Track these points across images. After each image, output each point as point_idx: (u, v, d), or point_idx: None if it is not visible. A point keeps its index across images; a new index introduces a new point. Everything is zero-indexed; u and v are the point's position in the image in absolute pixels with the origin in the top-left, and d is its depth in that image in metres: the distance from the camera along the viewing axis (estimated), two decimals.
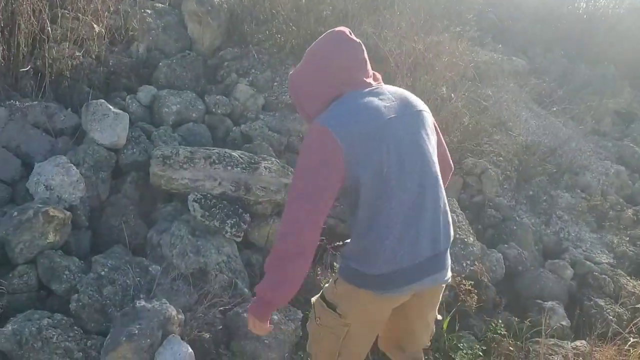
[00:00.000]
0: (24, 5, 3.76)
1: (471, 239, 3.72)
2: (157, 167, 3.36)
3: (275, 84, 4.34)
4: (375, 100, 1.90)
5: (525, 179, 4.46)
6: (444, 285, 2.14)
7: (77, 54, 4.03)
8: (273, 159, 3.61)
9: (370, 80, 2.00)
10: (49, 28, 3.89)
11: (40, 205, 2.88)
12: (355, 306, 1.99)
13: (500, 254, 3.82)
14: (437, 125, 2.12)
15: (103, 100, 3.58)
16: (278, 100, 4.25)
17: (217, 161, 3.39)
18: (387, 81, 4.16)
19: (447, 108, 4.12)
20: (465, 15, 5.25)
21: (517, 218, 4.19)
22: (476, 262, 3.60)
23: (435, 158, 1.96)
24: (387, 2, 4.55)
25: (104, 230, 3.28)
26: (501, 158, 4.40)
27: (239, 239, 3.32)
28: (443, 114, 4.12)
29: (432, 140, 1.98)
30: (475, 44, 4.85)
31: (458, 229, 3.69)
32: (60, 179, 3.12)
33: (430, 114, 2.07)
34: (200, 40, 4.59)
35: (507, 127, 4.63)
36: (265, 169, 3.44)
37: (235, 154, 3.50)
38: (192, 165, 3.37)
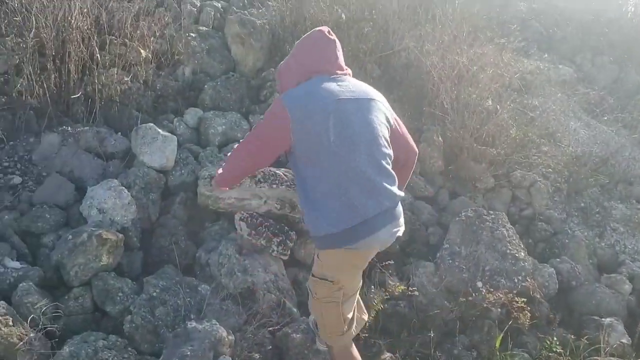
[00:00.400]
0: (74, 34, 3.90)
1: (522, 253, 3.63)
2: (204, 188, 3.41)
3: None
4: (332, 85, 2.36)
5: (576, 190, 4.33)
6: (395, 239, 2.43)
7: (126, 79, 4.16)
8: None
9: (337, 71, 2.48)
10: (98, 55, 4.03)
11: (93, 229, 2.96)
12: (340, 266, 2.35)
13: (552, 269, 3.71)
14: (397, 119, 2.58)
15: (152, 124, 3.67)
16: None
17: (262, 180, 3.40)
18: (431, 95, 4.10)
19: (493, 120, 4.05)
20: (508, 25, 5.18)
21: (569, 231, 4.07)
22: (528, 278, 3.50)
23: (383, 137, 2.35)
24: (429, 15, 4.52)
25: (155, 251, 3.35)
26: (550, 170, 4.29)
27: (285, 257, 3.32)
28: (489, 126, 4.05)
29: (382, 124, 2.38)
30: (520, 54, 4.77)
31: (508, 244, 3.61)
32: (112, 202, 3.21)
33: (388, 108, 2.52)
34: (243, 61, 4.66)
35: (555, 138, 4.51)
36: None
37: (279, 172, 3.52)
38: (238, 184, 3.41)
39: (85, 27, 4.03)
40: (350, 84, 2.44)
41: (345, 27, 4.61)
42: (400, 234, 2.43)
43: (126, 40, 4.35)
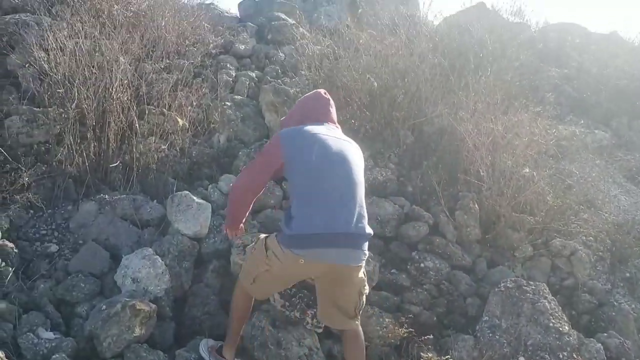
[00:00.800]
0: (114, 105, 4.02)
1: (566, 327, 3.46)
2: (237, 256, 3.40)
3: None
4: (320, 127, 2.81)
5: (620, 260, 4.18)
6: (353, 269, 2.68)
7: (162, 147, 4.24)
8: None
9: (329, 122, 2.93)
10: (137, 124, 4.13)
11: (127, 299, 2.94)
12: (276, 257, 2.67)
13: (599, 344, 3.51)
14: None
15: (187, 192, 3.70)
16: None
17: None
18: (466, 162, 4.05)
19: (530, 188, 3.98)
20: (542, 90, 5.18)
21: (615, 303, 3.89)
22: (574, 354, 3.32)
23: (358, 172, 2.74)
24: (462, 83, 4.55)
25: (187, 321, 3.30)
26: (591, 238, 4.16)
27: (320, 330, 3.23)
28: (526, 194, 3.98)
29: (358, 164, 2.79)
30: (554, 119, 4.73)
31: (551, 317, 3.46)
32: (146, 271, 3.20)
33: (362, 158, 2.92)
34: (276, 128, 4.72)
35: (595, 205, 4.40)
36: None
37: None
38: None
39: (125, 98, 4.17)
40: (337, 132, 2.93)
41: (378, 94, 4.67)
42: (355, 263, 2.67)
43: (164, 109, 4.47)
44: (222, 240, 3.64)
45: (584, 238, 4.15)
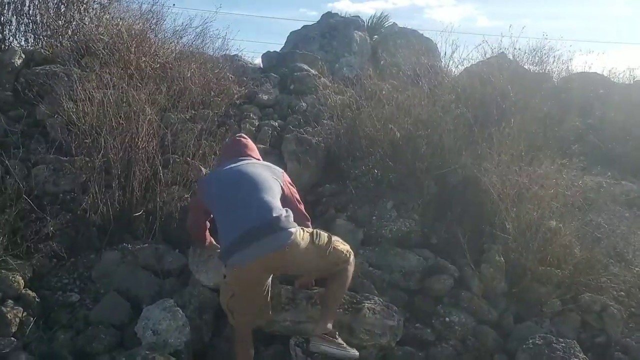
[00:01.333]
0: (140, 154, 4.07)
1: None
2: None
3: (374, 218, 4.31)
4: (232, 162, 3.29)
5: None
6: (287, 251, 2.88)
7: (186, 195, 4.25)
8: (376, 298, 3.50)
9: (239, 156, 3.36)
10: (161, 173, 4.16)
11: (147, 352, 2.90)
12: (229, 281, 3.04)
13: None
14: (290, 182, 3.39)
15: None
16: (377, 234, 4.20)
17: (318, 302, 3.32)
18: (490, 213, 4.00)
19: (557, 241, 3.89)
20: (566, 141, 5.13)
21: None
22: None
23: (260, 179, 3.11)
24: (485, 134, 4.53)
25: None
26: (622, 293, 4.02)
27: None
28: (553, 247, 3.88)
29: (261, 172, 3.18)
30: (581, 170, 4.66)
31: None
32: (167, 323, 3.16)
33: (280, 174, 3.32)
34: (299, 178, 4.71)
35: (625, 259, 4.27)
36: (369, 310, 3.32)
37: None
38: (293, 306, 3.32)
39: (151, 148, 4.21)
40: (247, 161, 3.34)
41: (400, 144, 4.66)
42: (279, 247, 2.86)
43: (188, 158, 4.51)
44: None
45: (615, 293, 4.01)
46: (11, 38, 5.65)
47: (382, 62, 7.72)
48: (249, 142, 3.53)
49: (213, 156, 4.70)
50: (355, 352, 3.06)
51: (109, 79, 4.52)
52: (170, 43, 5.60)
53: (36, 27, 5.73)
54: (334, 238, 3.20)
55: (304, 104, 5.93)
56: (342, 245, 3.23)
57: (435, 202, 4.52)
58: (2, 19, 5.66)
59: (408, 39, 8.40)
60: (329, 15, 8.89)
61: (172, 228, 4.07)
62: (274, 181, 3.18)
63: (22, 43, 5.76)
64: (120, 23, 5.16)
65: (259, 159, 3.44)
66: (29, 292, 3.40)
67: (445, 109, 4.96)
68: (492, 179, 4.05)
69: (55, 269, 3.68)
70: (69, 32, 5.33)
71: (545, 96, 5.67)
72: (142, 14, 5.84)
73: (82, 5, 5.93)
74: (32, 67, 5.09)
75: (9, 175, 3.86)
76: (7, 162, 3.91)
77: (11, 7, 5.71)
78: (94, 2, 6.16)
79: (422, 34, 8.83)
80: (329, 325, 3.05)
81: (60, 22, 5.65)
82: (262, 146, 4.95)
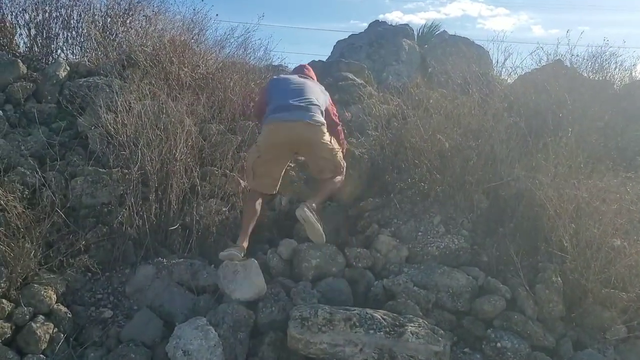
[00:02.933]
0: (178, 166, 3.97)
1: None
2: (294, 330, 3.15)
3: (420, 234, 4.07)
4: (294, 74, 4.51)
5: None
6: (311, 127, 3.89)
7: (224, 209, 4.13)
8: (420, 320, 3.25)
9: (301, 75, 4.47)
10: (199, 186, 4.05)
11: None
12: (260, 141, 3.95)
13: None
14: (332, 104, 4.40)
15: (228, 261, 3.54)
16: (423, 251, 3.96)
17: (357, 324, 3.11)
18: (547, 229, 3.73)
19: (622, 261, 3.55)
20: (630, 152, 4.75)
21: None
22: None
23: (308, 83, 4.24)
24: (540, 144, 4.23)
25: None
26: None
27: None
28: (618, 267, 3.55)
29: (308, 82, 4.27)
30: None
31: None
32: (198, 343, 3.01)
33: (327, 95, 4.35)
34: (341, 190, 4.53)
35: None
36: (412, 334, 3.08)
37: (377, 314, 3.21)
38: (331, 328, 3.12)
39: (189, 160, 4.12)
40: (308, 78, 4.44)
41: (449, 156, 4.41)
42: (306, 119, 3.89)
43: (227, 171, 4.39)
44: (279, 310, 3.42)
45: None
46: (58, 51, 5.70)
47: (430, 70, 7.46)
48: (311, 71, 4.59)
49: None
50: (322, 235, 3.89)
51: (147, 90, 4.45)
52: (212, 53, 5.52)
53: (82, 40, 5.77)
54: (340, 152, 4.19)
55: (348, 114, 5.74)
56: (343, 161, 4.22)
57: (485, 217, 4.24)
58: (50, 32, 5.72)
59: (458, 47, 8.11)
60: (377, 24, 8.70)
61: (209, 242, 3.95)
62: (321, 95, 4.21)
63: (69, 56, 5.81)
64: (163, 34, 5.11)
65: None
66: (61, 307, 3.32)
67: (497, 118, 4.67)
68: (548, 192, 3.75)
69: (90, 283, 3.60)
70: (114, 45, 5.31)
71: (606, 104, 5.29)
72: (184, 24, 5.81)
73: (129, 18, 5.93)
74: (75, 79, 5.09)
75: (46, 187, 3.81)
76: (37, 174, 3.86)
77: (59, 20, 5.77)
78: (140, 14, 6.16)
79: (473, 42, 8.52)
80: (314, 205, 3.86)
81: (105, 34, 5.65)
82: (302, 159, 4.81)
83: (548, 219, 3.82)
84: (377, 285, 3.71)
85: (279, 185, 4.12)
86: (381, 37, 8.39)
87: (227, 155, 4.49)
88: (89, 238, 3.75)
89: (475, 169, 4.29)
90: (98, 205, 3.97)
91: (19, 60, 5.01)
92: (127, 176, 3.94)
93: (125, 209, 3.78)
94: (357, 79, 6.42)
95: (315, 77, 4.55)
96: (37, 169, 3.93)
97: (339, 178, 4.16)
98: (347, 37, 8.65)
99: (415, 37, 8.87)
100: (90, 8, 5.78)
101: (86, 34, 5.72)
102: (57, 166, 4.19)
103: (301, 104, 3.91)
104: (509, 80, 6.76)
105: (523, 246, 3.92)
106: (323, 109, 4.06)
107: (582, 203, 3.68)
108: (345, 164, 4.21)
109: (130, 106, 4.11)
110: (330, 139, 4.02)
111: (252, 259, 3.59)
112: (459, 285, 3.68)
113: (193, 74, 5.01)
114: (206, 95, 5.02)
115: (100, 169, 4.11)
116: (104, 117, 4.06)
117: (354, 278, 3.78)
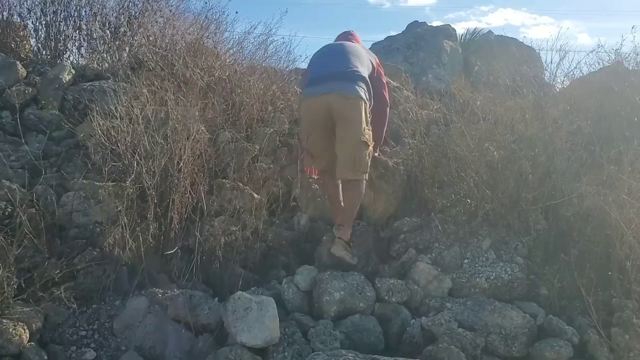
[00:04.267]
0: (181, 179, 3.42)
1: None
2: None
3: (466, 261, 3.40)
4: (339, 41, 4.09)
5: None
6: (347, 100, 3.45)
7: (233, 228, 3.56)
8: None
9: (347, 41, 4.03)
10: (204, 203, 3.50)
11: None
12: (301, 111, 3.88)
13: None
14: (380, 65, 3.96)
15: (241, 293, 2.90)
16: (470, 283, 3.29)
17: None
18: (621, 258, 3.02)
19: None
20: None
21: None
22: None
23: (350, 47, 3.81)
24: (611, 153, 3.51)
25: None
26: None
27: None
28: None
29: (351, 45, 3.87)
30: None
31: None
32: None
33: (375, 57, 3.94)
34: (371, 207, 3.91)
35: None
36: None
37: None
38: None
39: (197, 171, 3.58)
40: (355, 43, 4.02)
41: (500, 168, 3.74)
42: (344, 91, 3.46)
43: (239, 183, 3.83)
44: (293, 356, 2.80)
45: None
46: (67, 53, 5.28)
47: (476, 69, 6.79)
48: (356, 36, 4.18)
49: (270, 180, 4.02)
50: (355, 260, 3.49)
51: (153, 94, 3.94)
52: (230, 53, 4.98)
53: (91, 41, 5.34)
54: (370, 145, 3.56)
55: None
56: (368, 160, 3.54)
57: (544, 241, 3.55)
58: (59, 34, 5.31)
59: (506, 48, 7.41)
60: (415, 25, 8.06)
61: (214, 268, 3.38)
62: (367, 58, 3.78)
63: (79, 59, 5.39)
64: (175, 33, 4.61)
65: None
66: (35, 347, 2.78)
67: (557, 125, 3.97)
68: (623, 211, 3.04)
69: (73, 317, 3.05)
70: (124, 46, 4.84)
71: None
72: (197, 22, 5.30)
73: (143, 18, 5.47)
74: (80, 83, 4.63)
75: (37, 204, 3.32)
76: (22, 189, 3.37)
77: (70, 21, 5.36)
78: (158, 14, 5.70)
79: (523, 42, 7.78)
80: (345, 234, 3.47)
81: (117, 35, 5.21)
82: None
83: (622, 244, 3.11)
84: (414, 325, 3.06)
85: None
86: (420, 38, 7.74)
87: (241, 166, 3.94)
88: (77, 263, 3.23)
89: (531, 184, 3.61)
90: (90, 225, 3.45)
91: (17, 63, 4.58)
92: (120, 191, 3.41)
93: (118, 229, 3.25)
94: (392, 82, 5.79)
95: (360, 42, 4.20)
96: (24, 184, 3.44)
97: (360, 187, 3.54)
98: (383, 39, 8.03)
99: (458, 38, 8.17)
100: (101, 8, 5.33)
101: (99, 35, 5.27)
102: (52, 180, 3.70)
103: (336, 72, 3.54)
104: (564, 84, 6.02)
105: (592, 277, 3.22)
106: (367, 75, 3.61)
107: None
108: (369, 163, 3.56)
109: (128, 112, 3.58)
110: (365, 128, 3.47)
111: (270, 298, 2.96)
112: (513, 326, 3.00)
113: (206, 77, 4.47)
114: (220, 99, 4.49)
115: (97, 183, 3.60)
116: (97, 124, 3.55)
117: (386, 316, 3.14)
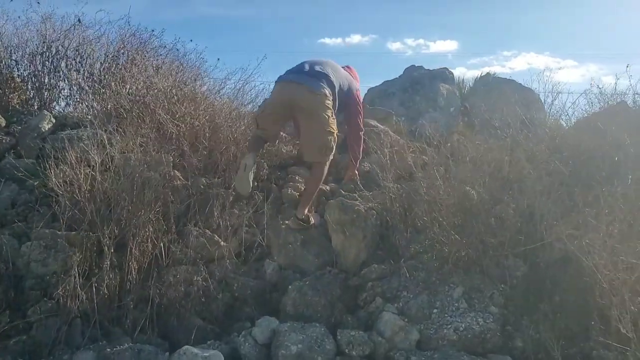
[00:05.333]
0: (140, 228, 3.34)
1: None
2: None
3: (435, 311, 3.20)
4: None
5: None
6: (310, 94, 3.90)
7: (196, 278, 3.44)
8: None
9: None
10: (164, 250, 3.41)
11: None
12: (272, 94, 4.19)
13: None
14: (357, 92, 4.47)
15: (187, 348, 2.81)
16: (438, 334, 3.09)
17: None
18: (601, 306, 2.85)
19: None
20: None
21: None
22: None
23: (322, 61, 4.24)
24: (589, 197, 3.32)
25: None
26: None
27: None
28: None
29: (325, 60, 4.27)
30: None
31: None
32: None
33: (353, 81, 4.41)
34: (343, 253, 3.76)
35: None
36: None
37: None
38: None
39: (160, 218, 3.50)
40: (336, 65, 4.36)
41: (476, 210, 3.57)
42: (307, 84, 3.93)
43: (207, 230, 3.73)
44: None
45: None
46: (54, 103, 5.32)
47: (462, 112, 6.69)
48: (354, 70, 4.69)
49: (244, 227, 3.91)
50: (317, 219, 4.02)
51: (131, 142, 3.92)
52: (209, 99, 4.96)
53: (80, 92, 5.38)
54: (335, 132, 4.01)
55: (366, 166, 4.98)
56: (333, 145, 4.00)
57: (522, 288, 3.35)
58: (42, 85, 5.37)
59: (502, 90, 7.29)
60: (412, 69, 7.98)
61: (172, 320, 3.24)
62: (346, 78, 4.28)
63: (65, 108, 5.43)
64: (156, 81, 4.61)
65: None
66: None
67: (537, 165, 3.81)
68: (596, 258, 2.85)
69: None
70: (105, 96, 4.86)
71: None
72: (178, 69, 5.32)
73: (128, 72, 5.50)
74: (58, 132, 4.64)
75: None
76: None
77: (57, 71, 5.43)
78: (147, 62, 5.75)
79: (521, 84, 7.62)
80: (305, 211, 3.92)
81: (102, 83, 5.24)
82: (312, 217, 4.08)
83: (600, 293, 2.89)
84: None
85: (278, 138, 4.55)
86: (417, 82, 7.63)
87: (212, 213, 3.84)
88: (30, 315, 3.14)
89: (507, 227, 3.43)
90: (48, 275, 3.37)
91: None
92: (84, 241, 3.34)
93: (71, 279, 3.16)
94: (379, 126, 5.69)
95: (355, 75, 4.66)
96: None
97: (322, 169, 4.02)
98: (380, 83, 7.95)
99: (456, 81, 8.05)
100: (86, 59, 5.40)
101: (82, 86, 5.32)
102: (17, 229, 3.67)
103: (311, 73, 4.00)
104: (564, 125, 5.84)
105: (571, 328, 3.01)
106: (337, 85, 4.07)
107: None
108: (334, 149, 4.04)
109: (89, 159, 3.55)
110: (329, 118, 3.92)
111: (218, 353, 2.82)
112: None
113: (182, 125, 4.44)
114: (197, 144, 4.45)
115: (58, 232, 3.53)
116: (54, 172, 3.51)
117: None
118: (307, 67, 4.06)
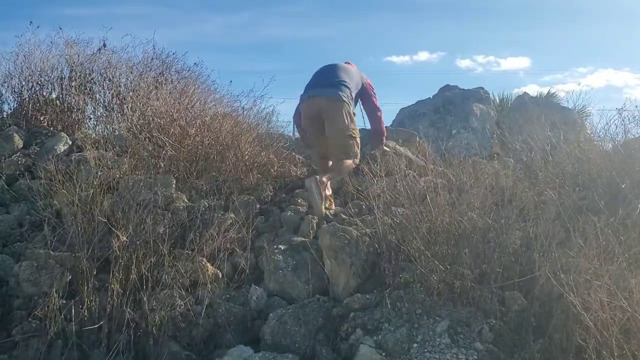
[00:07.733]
0: (121, 252, 3.37)
1: None
2: None
3: (415, 345, 3.03)
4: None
5: None
6: (331, 102, 4.60)
7: (180, 302, 3.42)
8: None
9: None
10: (148, 274, 3.41)
11: None
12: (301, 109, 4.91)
13: None
14: (368, 83, 5.06)
15: None
16: None
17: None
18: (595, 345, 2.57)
19: None
20: None
21: None
22: None
23: (340, 67, 4.90)
24: (580, 225, 3.07)
25: None
26: None
27: None
28: None
29: (341, 66, 4.92)
30: None
31: None
32: None
33: (365, 78, 5.04)
34: (335, 281, 3.66)
35: None
36: None
37: None
38: None
39: (143, 242, 3.52)
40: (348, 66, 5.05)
41: (470, 238, 3.38)
42: (329, 95, 4.62)
43: (197, 254, 3.73)
44: None
45: None
46: (78, 125, 5.51)
47: (493, 136, 6.43)
48: (352, 64, 5.11)
49: (242, 252, 3.89)
50: (321, 210, 4.24)
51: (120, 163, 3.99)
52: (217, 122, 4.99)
53: (106, 113, 5.57)
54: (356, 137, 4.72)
55: (378, 187, 4.85)
56: (355, 146, 4.70)
57: (516, 323, 3.13)
58: (74, 106, 5.58)
59: (539, 111, 7.00)
60: (446, 88, 7.79)
61: (148, 347, 3.23)
62: (357, 75, 4.88)
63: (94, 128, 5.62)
64: (160, 104, 4.71)
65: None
66: None
67: (541, 190, 3.60)
68: (577, 295, 2.62)
69: None
70: (120, 119, 5.00)
71: None
72: (184, 94, 5.41)
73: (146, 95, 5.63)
74: (72, 154, 4.80)
75: None
76: None
77: (85, 96, 5.63)
78: (170, 85, 5.88)
79: (558, 104, 7.27)
80: (325, 179, 4.28)
81: (122, 106, 5.40)
82: (300, 239, 4.01)
83: (588, 335, 2.66)
84: None
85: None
86: (449, 102, 7.43)
87: (205, 236, 3.84)
88: (14, 335, 3.21)
89: (503, 256, 3.24)
90: (37, 295, 3.45)
91: (15, 135, 4.82)
92: (64, 261, 3.41)
93: (49, 300, 3.21)
94: (398, 148, 5.56)
95: (355, 67, 5.10)
96: None
97: (349, 162, 4.64)
98: (413, 103, 7.79)
99: (491, 102, 7.76)
100: (113, 82, 5.58)
101: (108, 107, 5.50)
102: (19, 248, 3.80)
103: (325, 83, 4.67)
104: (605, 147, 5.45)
105: None
106: (353, 86, 4.71)
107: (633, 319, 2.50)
108: (358, 150, 4.71)
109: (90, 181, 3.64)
110: (350, 123, 4.59)
111: None
112: None
113: (184, 148, 4.49)
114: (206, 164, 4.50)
115: (52, 252, 3.62)
116: (71, 192, 3.63)
117: None
118: (323, 79, 4.74)
